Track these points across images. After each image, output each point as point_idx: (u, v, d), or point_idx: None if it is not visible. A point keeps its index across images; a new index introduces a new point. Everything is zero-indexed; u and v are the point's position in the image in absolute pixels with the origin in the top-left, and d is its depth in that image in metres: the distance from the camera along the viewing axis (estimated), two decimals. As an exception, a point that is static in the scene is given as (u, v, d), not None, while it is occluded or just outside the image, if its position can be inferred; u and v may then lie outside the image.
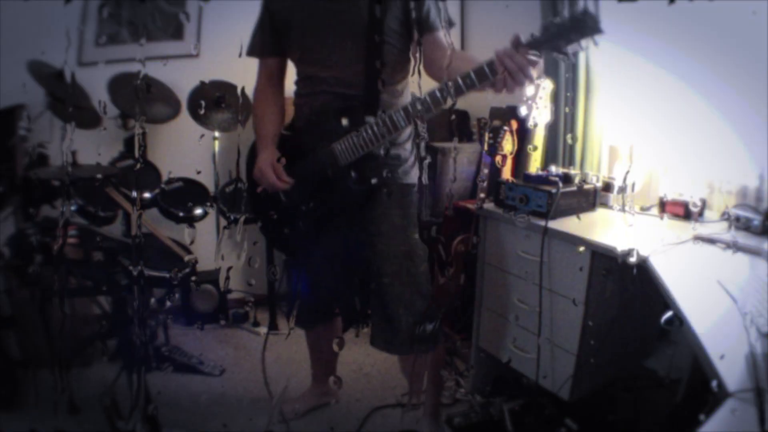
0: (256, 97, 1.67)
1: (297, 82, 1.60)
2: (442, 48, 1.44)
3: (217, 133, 2.48)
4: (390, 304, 1.56)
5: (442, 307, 1.87)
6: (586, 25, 1.09)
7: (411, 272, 1.54)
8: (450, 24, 1.49)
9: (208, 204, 2.41)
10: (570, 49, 1.12)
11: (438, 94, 1.27)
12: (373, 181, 1.47)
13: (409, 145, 1.58)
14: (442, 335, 1.68)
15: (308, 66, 1.54)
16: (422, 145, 1.61)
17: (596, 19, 1.07)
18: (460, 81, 1.23)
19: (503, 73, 1.17)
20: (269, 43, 1.58)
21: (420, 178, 1.58)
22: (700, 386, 0.94)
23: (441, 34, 1.45)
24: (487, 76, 1.20)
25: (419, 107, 1.31)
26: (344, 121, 1.44)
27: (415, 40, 1.47)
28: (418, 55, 1.47)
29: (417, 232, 1.58)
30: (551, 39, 1.14)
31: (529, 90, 1.85)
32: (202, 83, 2.37)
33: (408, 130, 1.55)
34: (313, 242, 1.60)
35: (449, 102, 1.27)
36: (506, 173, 2.07)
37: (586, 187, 1.94)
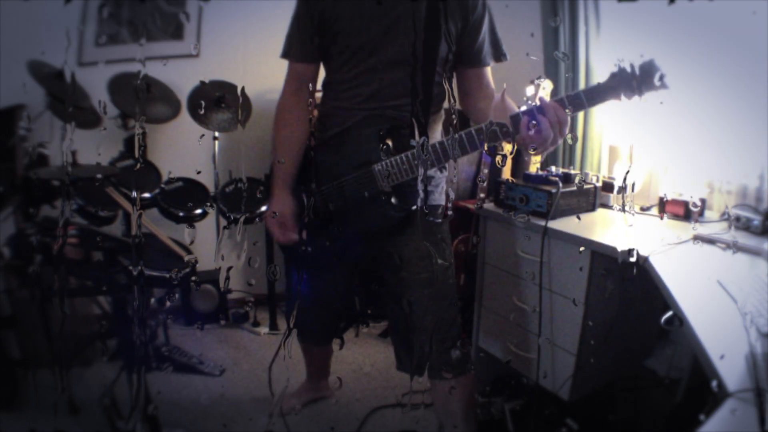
0: (281, 110, 1.49)
1: (328, 89, 1.48)
2: (485, 86, 1.41)
3: (217, 133, 2.48)
4: (412, 332, 1.49)
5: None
6: (651, 80, 1.11)
7: (434, 299, 1.46)
8: (501, 58, 1.43)
9: (208, 204, 2.41)
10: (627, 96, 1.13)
11: (496, 129, 1.22)
12: (414, 207, 1.39)
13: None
14: (471, 364, 1.60)
15: (350, 76, 1.40)
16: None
17: (662, 75, 1.11)
18: (497, 129, 1.20)
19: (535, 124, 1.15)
20: (309, 46, 1.42)
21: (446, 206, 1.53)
22: (700, 386, 0.94)
23: (488, 70, 1.42)
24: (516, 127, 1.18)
25: (474, 138, 1.24)
26: (388, 143, 1.36)
27: (447, 69, 1.40)
28: (454, 84, 1.42)
29: (445, 256, 1.48)
30: (616, 87, 1.13)
31: (529, 90, 1.85)
32: (202, 83, 2.37)
33: None
34: (335, 260, 1.55)
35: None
36: (506, 173, 2.07)
37: (586, 187, 1.94)
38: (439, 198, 1.52)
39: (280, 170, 1.48)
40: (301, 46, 1.43)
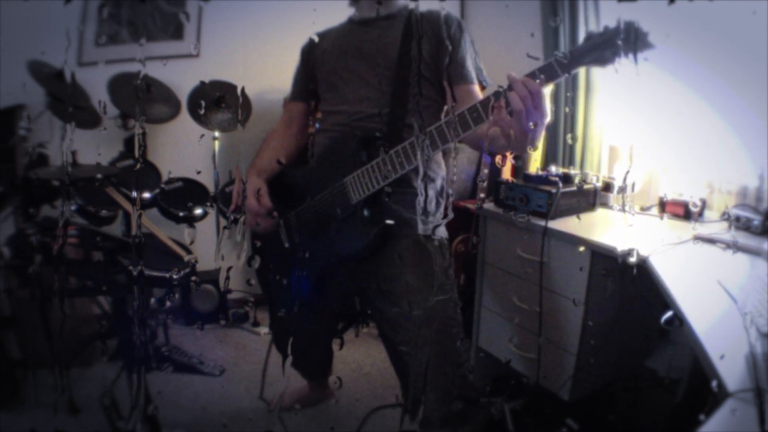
0: (267, 136, 1.61)
1: (319, 119, 1.53)
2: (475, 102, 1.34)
3: (217, 133, 2.48)
4: (411, 376, 1.34)
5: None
6: (632, 38, 1.00)
7: (433, 340, 1.32)
8: (482, 83, 1.39)
9: (208, 204, 2.41)
10: (617, 60, 1.01)
11: (444, 129, 1.16)
12: (388, 222, 1.30)
13: (431, 192, 1.42)
14: (482, 416, 1.43)
15: (332, 102, 1.46)
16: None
17: (644, 32, 0.99)
18: (466, 114, 1.13)
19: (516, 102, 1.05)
20: (297, 87, 1.59)
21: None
22: (700, 386, 0.94)
23: (476, 87, 1.36)
24: (490, 106, 1.09)
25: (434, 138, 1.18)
26: (361, 155, 1.31)
27: (450, 94, 1.37)
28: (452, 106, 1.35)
29: (444, 292, 1.35)
30: (592, 50, 1.02)
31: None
32: (202, 83, 2.37)
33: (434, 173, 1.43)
34: (315, 296, 1.45)
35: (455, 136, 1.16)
36: (506, 173, 2.07)
37: (586, 187, 1.94)
38: (422, 228, 1.40)
39: (255, 160, 1.53)
40: (293, 88, 1.60)
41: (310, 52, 1.52)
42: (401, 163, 1.23)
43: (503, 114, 1.08)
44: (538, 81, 1.05)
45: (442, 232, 1.43)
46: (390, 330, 1.38)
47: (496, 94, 1.08)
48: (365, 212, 1.30)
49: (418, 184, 1.37)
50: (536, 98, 1.04)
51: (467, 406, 1.35)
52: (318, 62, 1.49)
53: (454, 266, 1.45)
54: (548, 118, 1.09)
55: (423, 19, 1.36)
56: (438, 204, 1.45)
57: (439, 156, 1.47)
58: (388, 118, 1.34)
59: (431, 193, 1.42)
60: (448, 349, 1.35)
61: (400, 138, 1.30)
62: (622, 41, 0.99)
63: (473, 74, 1.37)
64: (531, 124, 1.06)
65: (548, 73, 1.05)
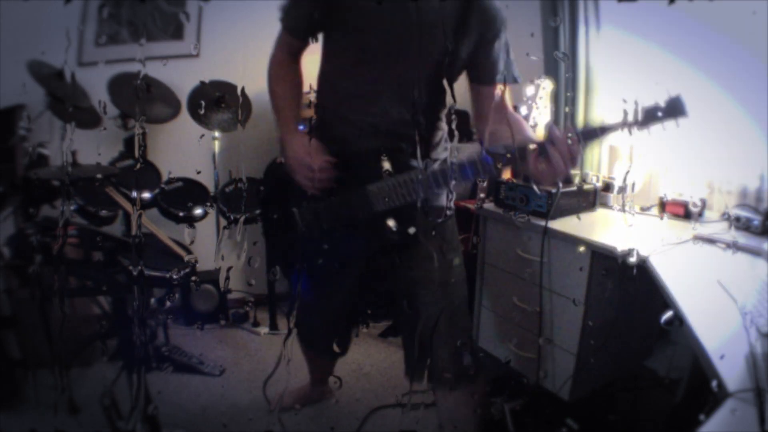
0: (274, 72, 1.40)
1: (327, 83, 1.39)
2: (498, 104, 1.33)
3: (217, 133, 2.48)
4: (423, 334, 1.40)
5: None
6: (675, 110, 1.20)
7: (446, 300, 1.39)
8: (512, 80, 1.37)
9: (208, 204, 2.41)
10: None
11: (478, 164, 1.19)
12: (411, 230, 1.30)
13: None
14: (482, 371, 1.52)
15: (354, 83, 1.33)
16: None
17: (683, 103, 1.19)
18: (517, 154, 1.16)
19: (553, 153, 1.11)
20: (307, 23, 1.32)
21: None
22: (700, 386, 0.94)
23: (499, 88, 1.34)
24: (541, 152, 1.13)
25: (480, 168, 1.19)
26: (386, 164, 1.27)
27: (450, 93, 1.34)
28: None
29: (456, 257, 1.43)
30: (645, 122, 1.21)
31: (529, 90, 1.85)
32: (202, 83, 2.37)
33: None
34: (336, 275, 1.48)
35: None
36: (506, 173, 2.07)
37: (586, 187, 1.94)
38: (434, 202, 1.42)
39: (286, 113, 1.39)
40: (296, 21, 1.34)
41: None
42: (434, 185, 1.25)
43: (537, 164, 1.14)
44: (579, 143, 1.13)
45: (442, 201, 1.44)
46: (410, 291, 1.42)
47: (540, 146, 1.14)
48: (390, 223, 1.30)
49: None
50: (574, 159, 1.12)
51: (474, 359, 1.44)
52: (347, 6, 1.23)
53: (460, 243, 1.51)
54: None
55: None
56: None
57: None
58: (424, 124, 1.32)
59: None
60: (460, 309, 1.44)
61: (428, 145, 1.33)
62: (664, 113, 1.20)
63: (500, 74, 1.35)
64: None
65: (588, 135, 1.15)
